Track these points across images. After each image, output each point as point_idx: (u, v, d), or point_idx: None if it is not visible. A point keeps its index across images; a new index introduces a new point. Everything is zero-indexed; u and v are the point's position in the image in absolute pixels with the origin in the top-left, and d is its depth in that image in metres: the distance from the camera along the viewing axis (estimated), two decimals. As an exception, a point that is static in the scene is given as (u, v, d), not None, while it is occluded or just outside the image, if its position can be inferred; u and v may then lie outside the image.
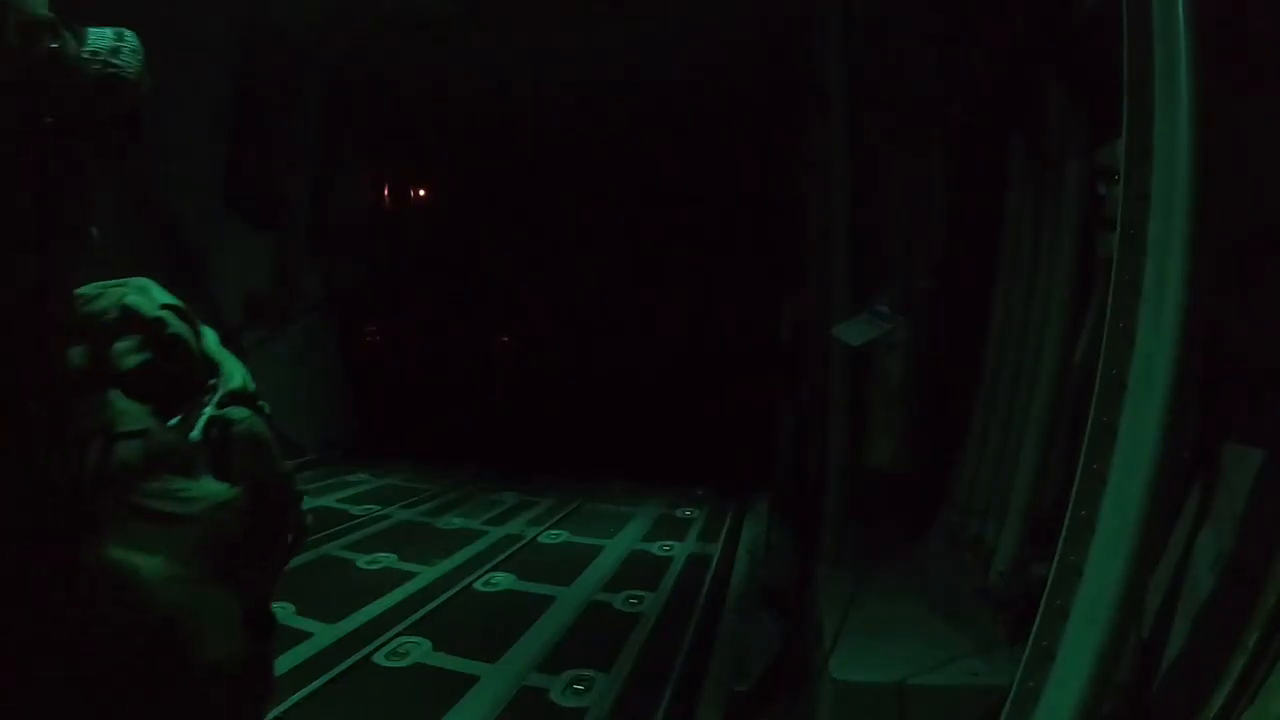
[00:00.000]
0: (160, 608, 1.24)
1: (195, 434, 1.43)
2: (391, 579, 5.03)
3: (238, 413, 1.52)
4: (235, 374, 1.59)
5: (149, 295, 1.49)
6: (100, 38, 1.26)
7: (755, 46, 7.31)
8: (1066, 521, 1.95)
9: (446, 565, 5.38)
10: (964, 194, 4.20)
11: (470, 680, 3.69)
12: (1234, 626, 1.86)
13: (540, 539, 6.22)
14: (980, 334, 3.94)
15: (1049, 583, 1.96)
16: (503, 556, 5.66)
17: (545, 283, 10.73)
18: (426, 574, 5.18)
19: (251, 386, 1.59)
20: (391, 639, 4.09)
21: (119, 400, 1.33)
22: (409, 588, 4.90)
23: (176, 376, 1.47)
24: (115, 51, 1.26)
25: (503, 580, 5.19)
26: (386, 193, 10.69)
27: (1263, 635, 1.77)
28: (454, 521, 6.59)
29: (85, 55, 1.23)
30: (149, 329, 1.44)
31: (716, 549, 6.06)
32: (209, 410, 1.48)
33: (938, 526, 3.98)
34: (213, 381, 1.54)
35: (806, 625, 3.89)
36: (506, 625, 4.38)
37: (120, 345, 1.40)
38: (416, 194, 11.24)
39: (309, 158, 8.95)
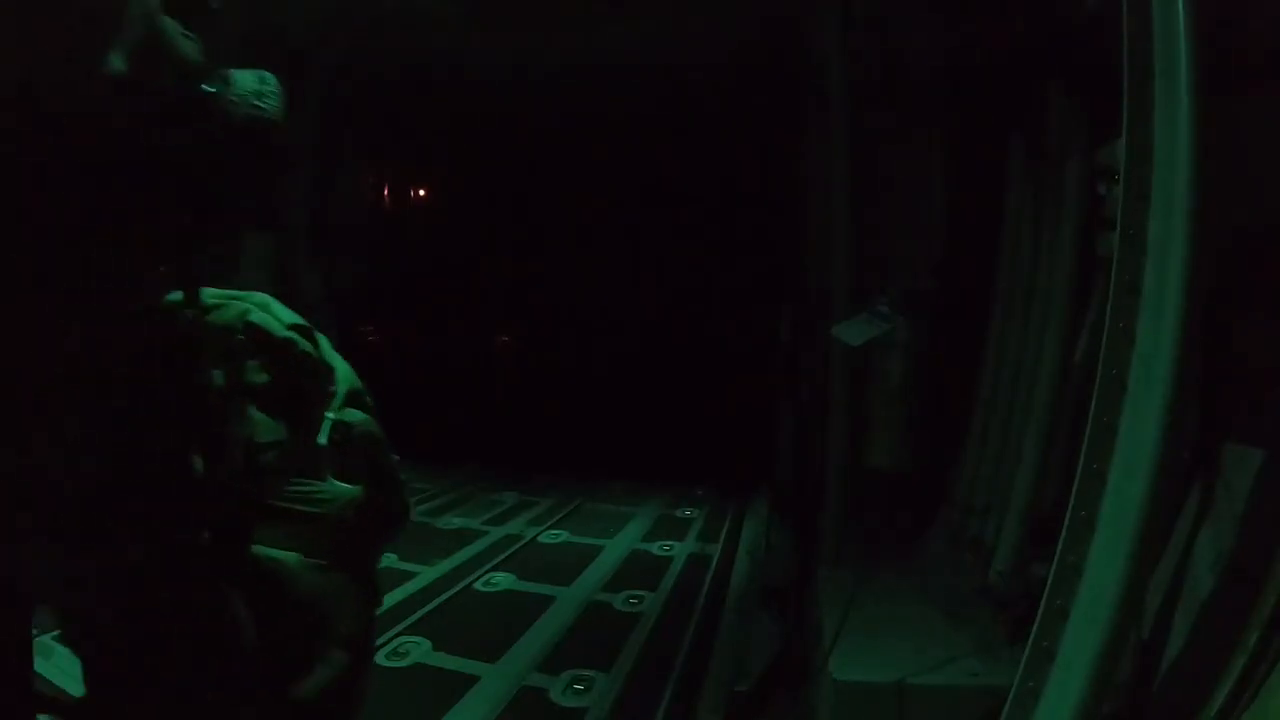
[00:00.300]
0: (302, 594, 1.43)
1: (322, 439, 1.59)
2: (391, 579, 5.03)
3: (354, 415, 1.71)
4: (347, 376, 1.77)
5: (273, 314, 1.64)
6: (245, 81, 1.40)
7: (755, 46, 7.30)
8: (1066, 521, 1.95)
9: (446, 565, 5.38)
10: (964, 194, 4.20)
11: (470, 680, 3.69)
12: (1234, 626, 1.86)
13: (540, 539, 6.22)
14: (980, 334, 3.94)
15: (1049, 583, 1.96)
16: (503, 556, 5.66)
17: (545, 283, 10.72)
18: (426, 574, 5.17)
19: (360, 385, 1.78)
20: (392, 639, 4.08)
21: (254, 413, 1.50)
22: (409, 588, 4.90)
23: (303, 389, 1.62)
24: (260, 95, 1.39)
25: (503, 580, 5.19)
26: (386, 193, 10.68)
27: (1263, 635, 1.78)
28: (454, 521, 6.59)
29: (234, 99, 1.36)
30: (278, 349, 1.59)
31: (716, 549, 6.05)
32: (331, 416, 1.64)
33: (938, 526, 3.98)
34: (331, 388, 1.71)
35: (806, 625, 3.89)
36: (506, 625, 4.37)
37: (252, 363, 1.54)
38: (416, 194, 11.23)
39: (309, 158, 8.95)
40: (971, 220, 4.10)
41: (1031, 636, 1.95)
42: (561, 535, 6.33)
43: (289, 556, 1.44)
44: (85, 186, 1.12)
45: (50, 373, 1.13)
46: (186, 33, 1.26)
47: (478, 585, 5.08)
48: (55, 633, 4.02)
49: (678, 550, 5.98)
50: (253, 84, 1.39)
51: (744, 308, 9.37)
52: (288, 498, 1.49)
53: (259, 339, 1.57)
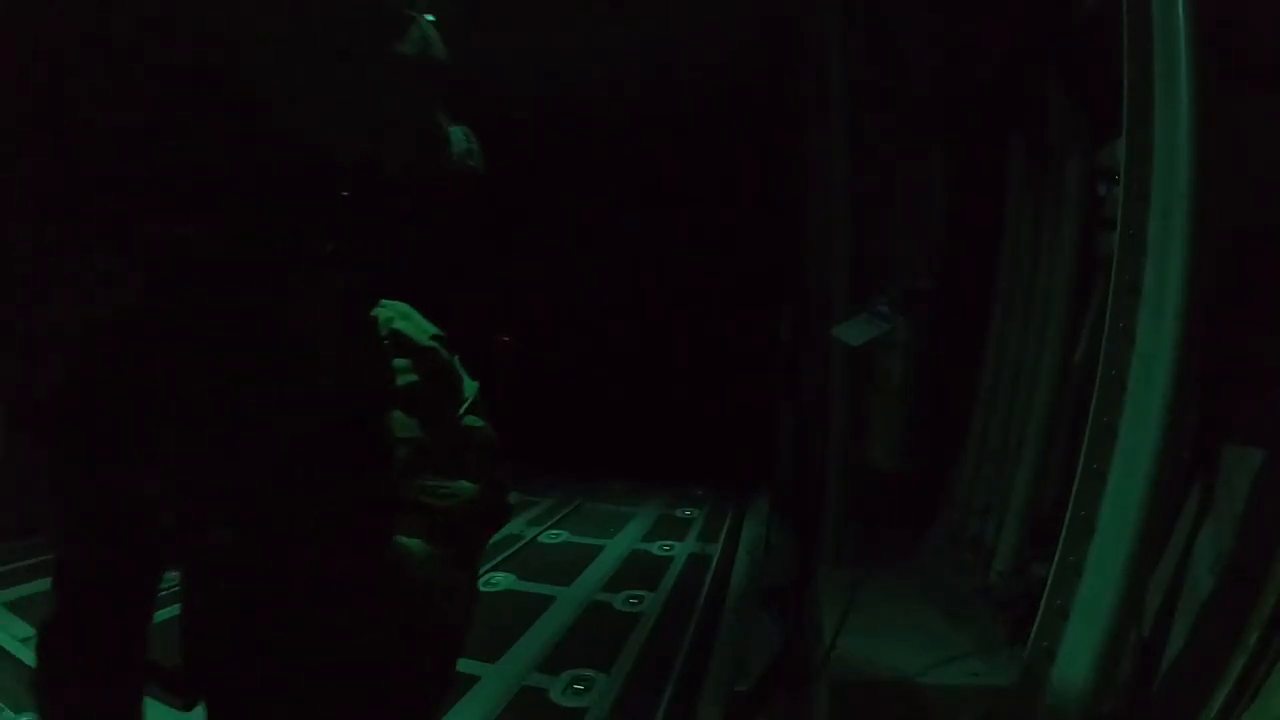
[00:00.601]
0: (420, 581, 1.53)
1: (449, 440, 1.76)
2: (391, 579, 5.02)
3: (475, 421, 1.87)
4: (471, 387, 1.94)
5: (415, 323, 1.81)
6: (457, 139, 1.57)
7: (755, 46, 7.30)
8: (1066, 521, 1.95)
9: (446, 565, 5.37)
10: (964, 194, 4.20)
11: (470, 680, 3.69)
12: (1234, 626, 1.86)
13: (540, 539, 6.22)
14: (980, 334, 3.94)
15: (1049, 583, 1.96)
16: (503, 556, 5.66)
17: (545, 282, 10.72)
18: (426, 574, 5.17)
19: (478, 396, 1.95)
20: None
21: (395, 411, 1.64)
22: (409, 588, 4.89)
23: (439, 393, 1.79)
24: (470, 154, 1.58)
25: (503, 580, 5.19)
26: (386, 192, 10.68)
27: (1263, 635, 1.78)
28: (454, 521, 6.58)
29: (454, 159, 1.54)
30: (421, 356, 1.76)
31: (716, 549, 6.05)
32: (459, 420, 1.83)
33: (938, 526, 3.98)
34: (461, 395, 1.89)
35: (806, 625, 3.89)
36: (506, 625, 4.38)
37: (397, 363, 1.70)
38: (416, 194, 11.24)
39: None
40: (971, 220, 4.10)
41: (1031, 636, 1.95)
42: (561, 535, 6.33)
43: (411, 543, 1.53)
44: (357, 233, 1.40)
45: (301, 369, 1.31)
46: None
47: (478, 585, 5.08)
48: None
49: (678, 550, 5.99)
50: (463, 142, 1.58)
51: (744, 308, 9.37)
52: (415, 489, 1.61)
53: (403, 344, 1.74)
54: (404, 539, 1.53)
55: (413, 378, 1.71)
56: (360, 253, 1.45)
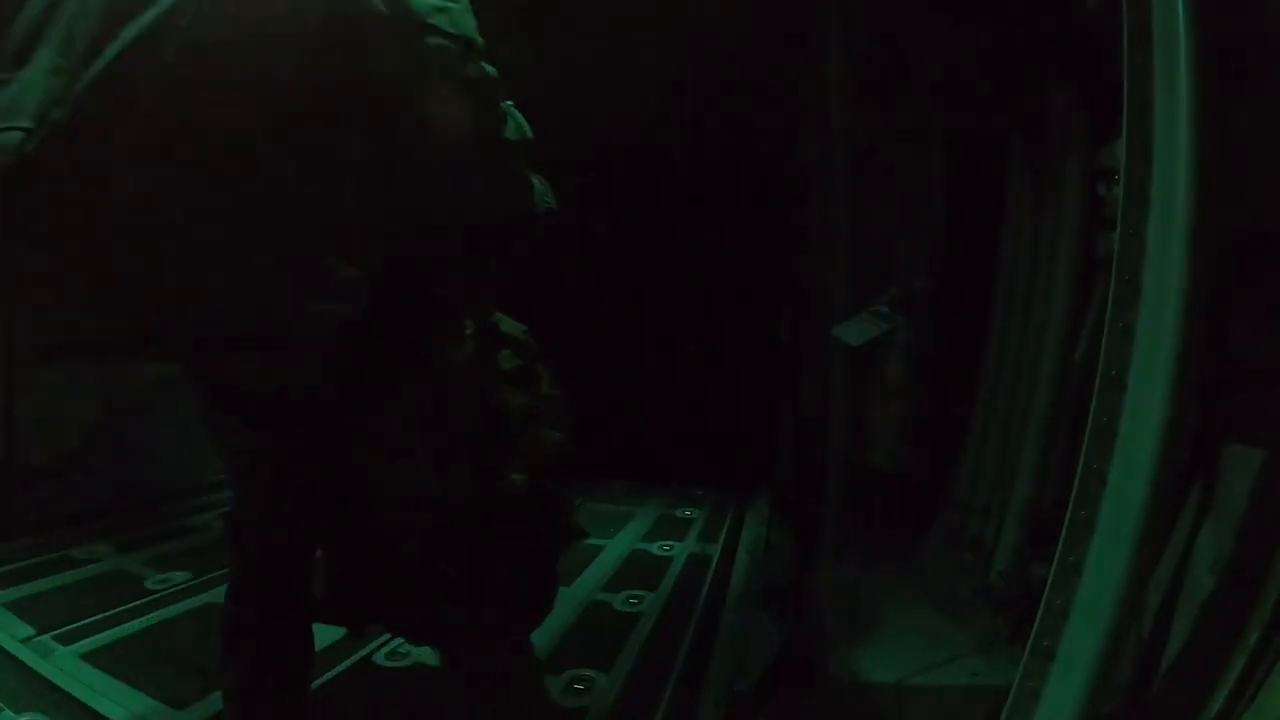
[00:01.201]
0: (530, 492, 2.26)
1: (541, 405, 2.41)
2: (391, 579, 5.01)
3: (552, 389, 2.54)
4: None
5: (508, 323, 2.43)
6: (538, 187, 2.17)
7: (755, 47, 7.30)
8: (1066, 521, 1.95)
9: (446, 565, 5.36)
10: (964, 194, 4.20)
11: (470, 680, 3.69)
12: (1234, 626, 1.86)
13: (540, 539, 6.20)
14: (980, 334, 3.94)
15: (1049, 583, 1.96)
16: (503, 556, 5.64)
17: (545, 283, 10.72)
18: (426, 574, 5.16)
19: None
20: (392, 638, 4.08)
21: (507, 386, 2.30)
22: (409, 588, 4.88)
23: (533, 371, 2.44)
24: (546, 193, 2.18)
25: (503, 580, 5.17)
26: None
27: (1263, 635, 1.78)
28: (454, 521, 6.57)
29: (538, 202, 2.15)
30: (519, 346, 2.40)
31: (716, 549, 6.05)
32: (545, 390, 2.49)
33: (938, 526, 3.98)
34: (543, 372, 2.54)
35: (806, 625, 3.89)
36: (506, 625, 4.37)
37: (503, 353, 2.34)
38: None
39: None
40: (971, 220, 4.10)
41: (1031, 636, 1.95)
42: (561, 535, 6.31)
43: (517, 478, 2.16)
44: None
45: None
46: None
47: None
48: (55, 632, 3.99)
49: (678, 550, 5.98)
50: (540, 186, 2.12)
51: (744, 308, 9.37)
52: (530, 440, 2.28)
53: (506, 338, 2.35)
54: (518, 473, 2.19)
55: (517, 361, 2.35)
56: (486, 279, 2.08)
